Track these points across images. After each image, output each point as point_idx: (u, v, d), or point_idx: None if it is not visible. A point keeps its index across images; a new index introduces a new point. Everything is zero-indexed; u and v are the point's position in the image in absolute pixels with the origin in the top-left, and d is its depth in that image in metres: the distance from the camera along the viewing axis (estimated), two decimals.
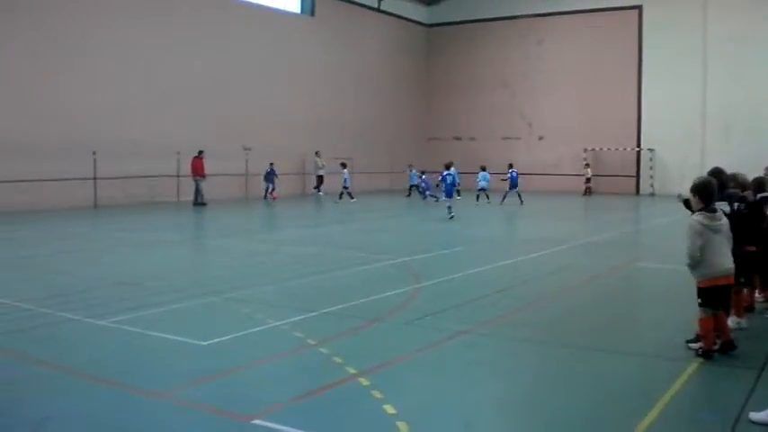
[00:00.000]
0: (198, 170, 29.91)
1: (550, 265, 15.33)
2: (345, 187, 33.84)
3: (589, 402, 6.86)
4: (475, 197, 32.35)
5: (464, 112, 46.43)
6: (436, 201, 32.39)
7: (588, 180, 40.44)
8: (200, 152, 30.09)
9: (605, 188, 41.16)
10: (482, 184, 32.27)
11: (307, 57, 38.04)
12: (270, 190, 33.92)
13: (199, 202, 29.57)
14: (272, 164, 33.97)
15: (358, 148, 40.38)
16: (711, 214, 7.86)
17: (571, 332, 9.61)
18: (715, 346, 8.00)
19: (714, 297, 7.88)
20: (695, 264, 7.88)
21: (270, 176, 33.94)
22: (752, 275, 9.73)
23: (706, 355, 7.90)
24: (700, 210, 7.93)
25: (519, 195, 31.89)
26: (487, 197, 31.82)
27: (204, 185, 29.92)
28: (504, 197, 31.82)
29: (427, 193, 34.54)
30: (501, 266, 15.00)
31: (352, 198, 33.53)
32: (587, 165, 41.06)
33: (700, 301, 7.99)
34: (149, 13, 30.05)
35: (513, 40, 44.66)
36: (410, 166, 38.46)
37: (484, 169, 32.79)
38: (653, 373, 7.70)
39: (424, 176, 35.59)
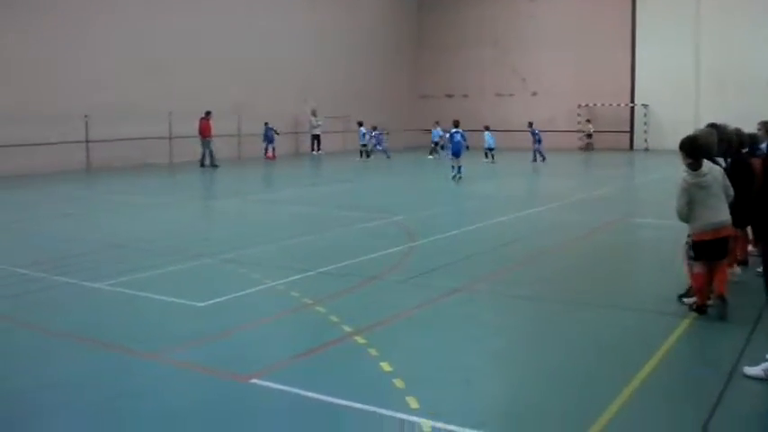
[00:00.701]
0: (205, 131, 29.41)
1: (545, 222, 15.36)
2: (363, 145, 33.75)
3: (585, 357, 6.92)
4: (483, 155, 31.96)
5: (456, 70, 46.04)
6: (388, 158, 32.69)
7: (590, 136, 40.26)
8: (208, 113, 29.55)
9: (599, 144, 41.05)
10: (490, 142, 31.69)
11: (297, 17, 37.60)
12: (267, 149, 33.75)
13: (210, 163, 29.03)
14: (266, 123, 33.74)
15: (350, 107, 40.09)
16: (696, 171, 7.83)
17: (566, 288, 9.66)
18: (709, 301, 8.04)
19: (706, 250, 7.88)
20: (684, 219, 7.95)
21: (268, 136, 33.72)
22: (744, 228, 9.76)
23: (700, 310, 7.95)
24: (686, 166, 7.92)
25: (541, 153, 31.37)
26: (492, 157, 31.20)
27: (214, 147, 29.54)
28: (537, 155, 31.27)
29: (378, 148, 34.35)
30: (496, 223, 15.02)
31: (368, 156, 33.57)
32: (588, 120, 40.72)
33: (692, 253, 8.02)
34: None
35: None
36: (436, 123, 36.71)
37: (488, 129, 32.31)
38: (647, 328, 7.75)
39: (375, 132, 34.85)
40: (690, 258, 8.09)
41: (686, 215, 7.88)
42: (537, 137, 31.55)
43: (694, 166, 7.86)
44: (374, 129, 35.07)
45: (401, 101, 45.41)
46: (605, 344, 7.31)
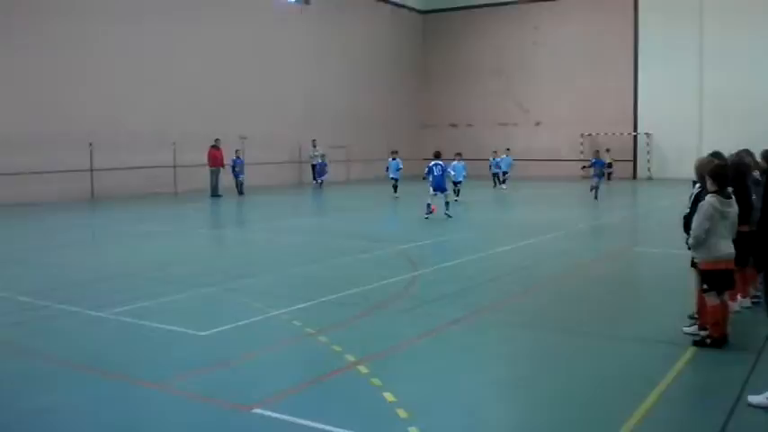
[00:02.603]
0: (216, 160, 29.39)
1: (549, 251, 15.35)
2: (393, 178, 28.81)
3: (589, 387, 6.89)
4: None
5: (460, 99, 46.34)
6: (319, 185, 32.99)
7: (609, 165, 39.25)
8: (217, 141, 29.66)
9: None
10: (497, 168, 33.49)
11: (302, 45, 37.93)
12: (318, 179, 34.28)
13: (216, 193, 29.04)
14: (323, 155, 34.73)
15: (354, 135, 40.33)
16: (725, 199, 7.77)
17: (569, 317, 9.64)
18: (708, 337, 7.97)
19: (721, 279, 7.79)
20: (697, 244, 7.80)
21: (321, 166, 34.04)
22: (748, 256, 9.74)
23: (717, 343, 7.80)
24: (713, 192, 7.81)
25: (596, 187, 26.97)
26: (504, 182, 32.97)
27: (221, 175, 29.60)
28: (596, 189, 26.88)
29: (320, 179, 34.67)
30: (499, 252, 15.01)
31: (395, 193, 28.61)
32: (608, 150, 38.89)
33: (705, 286, 7.87)
34: (146, 4, 29.92)
35: (509, 26, 44.55)
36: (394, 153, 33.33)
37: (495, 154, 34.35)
38: (650, 358, 7.72)
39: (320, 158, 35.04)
40: (704, 291, 7.93)
41: (702, 241, 7.74)
42: (598, 169, 27.40)
43: (724, 192, 7.80)
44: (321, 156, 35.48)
45: (404, 130, 45.55)
46: (608, 374, 7.27)
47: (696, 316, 8.41)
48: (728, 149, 10.37)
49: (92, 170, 27.98)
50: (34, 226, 20.20)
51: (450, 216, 20.64)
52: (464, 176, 25.27)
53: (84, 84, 27.70)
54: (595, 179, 27.01)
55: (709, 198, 7.79)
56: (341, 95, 40.43)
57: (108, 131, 28.00)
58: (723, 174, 7.85)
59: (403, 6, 46.27)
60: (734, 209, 7.86)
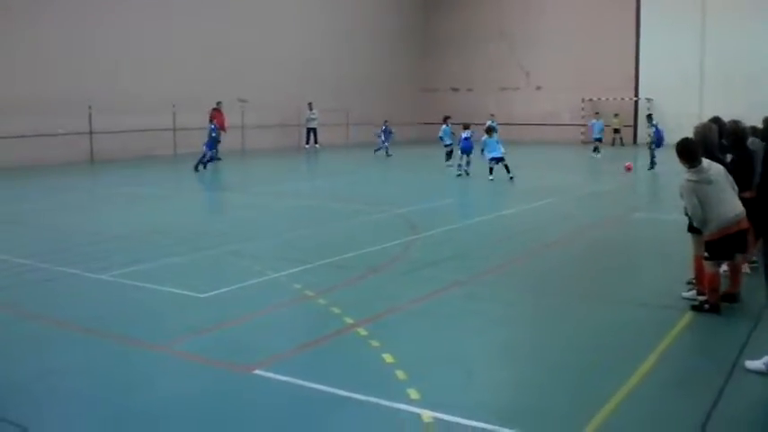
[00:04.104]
0: (218, 123, 28.97)
1: (549, 215, 15.35)
2: (447, 145, 26.35)
3: (586, 350, 6.92)
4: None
5: (461, 64, 46.03)
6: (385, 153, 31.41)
7: (617, 131, 39.14)
8: (219, 103, 29.29)
9: (604, 137, 40.98)
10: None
11: (302, 9, 37.58)
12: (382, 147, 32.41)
13: (217, 157, 28.61)
14: (386, 121, 33.04)
15: (354, 100, 40.06)
16: (697, 168, 7.73)
17: (569, 281, 9.67)
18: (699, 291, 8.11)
19: (725, 247, 7.77)
20: (702, 221, 7.72)
21: (386, 134, 32.64)
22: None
23: (715, 308, 7.83)
24: (686, 168, 7.83)
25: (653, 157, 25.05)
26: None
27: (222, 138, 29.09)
28: (653, 160, 24.99)
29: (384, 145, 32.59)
30: (500, 216, 15.03)
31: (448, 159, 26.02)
32: (616, 114, 39.01)
33: (706, 254, 7.85)
34: None
35: None
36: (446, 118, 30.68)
37: (490, 131, 22.91)
38: (649, 322, 7.75)
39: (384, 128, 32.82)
40: (705, 259, 7.91)
41: (702, 216, 7.68)
42: (657, 135, 25.52)
43: (694, 164, 7.77)
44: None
45: (405, 94, 45.32)
46: (607, 338, 7.31)
47: (694, 281, 8.44)
48: (729, 115, 10.33)
49: (91, 133, 27.88)
50: (33, 188, 20.17)
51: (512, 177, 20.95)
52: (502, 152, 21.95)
53: (83, 48, 27.48)
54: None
55: (684, 176, 7.82)
56: (341, 59, 40.11)
57: (107, 94, 27.82)
58: (688, 149, 7.83)
59: None
60: (713, 171, 7.75)
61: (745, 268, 9.55)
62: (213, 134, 24.52)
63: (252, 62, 34.29)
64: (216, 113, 28.89)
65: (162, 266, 10.27)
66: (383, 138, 32.20)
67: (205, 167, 24.06)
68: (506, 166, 21.25)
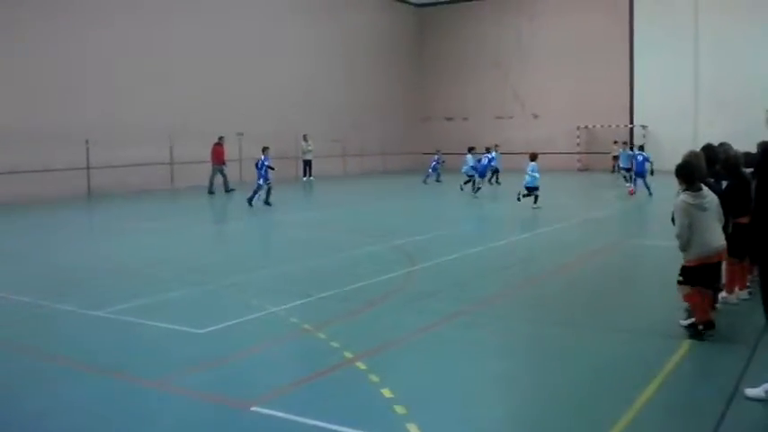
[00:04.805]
0: (218, 157, 29.19)
1: (546, 244, 15.37)
2: (470, 175, 27.54)
3: (586, 380, 6.90)
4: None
5: (456, 92, 46.34)
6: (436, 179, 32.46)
7: (616, 158, 39.01)
8: (221, 138, 29.57)
9: (599, 165, 41.15)
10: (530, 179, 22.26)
11: (297, 39, 37.85)
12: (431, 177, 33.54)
13: (225, 189, 28.89)
14: (438, 151, 34.79)
15: (350, 129, 40.27)
16: (696, 192, 7.83)
17: (568, 310, 9.66)
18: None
19: (701, 275, 7.88)
20: (685, 244, 7.84)
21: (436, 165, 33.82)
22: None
23: (708, 326, 7.85)
24: (684, 189, 7.91)
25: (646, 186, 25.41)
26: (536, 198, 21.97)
27: (227, 171, 29.49)
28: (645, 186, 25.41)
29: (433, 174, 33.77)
30: (496, 246, 15.02)
31: (468, 185, 27.57)
32: (615, 142, 38.72)
33: (680, 278, 7.99)
34: (144, 0, 29.92)
35: (505, 18, 44.52)
36: (496, 146, 33.10)
37: (534, 159, 22.58)
38: (648, 350, 7.73)
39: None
40: (678, 282, 8.05)
41: (686, 239, 7.79)
42: (639, 163, 25.69)
43: (694, 188, 7.85)
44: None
45: (400, 123, 45.53)
46: (606, 366, 7.29)
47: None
48: (725, 141, 10.42)
49: (88, 168, 27.94)
50: (31, 223, 20.14)
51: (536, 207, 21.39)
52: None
53: (82, 81, 27.62)
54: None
55: (681, 195, 7.90)
56: (337, 89, 40.35)
57: (105, 128, 27.93)
58: (686, 171, 7.94)
59: (399, 0, 46.18)
60: (709, 199, 7.89)
61: (744, 294, 9.58)
62: (263, 167, 23.44)
63: (250, 95, 34.46)
64: (216, 148, 29.12)
65: (160, 302, 10.25)
66: (434, 165, 33.54)
67: (268, 203, 23.11)
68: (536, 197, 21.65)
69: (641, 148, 27.62)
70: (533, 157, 22.54)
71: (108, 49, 28.62)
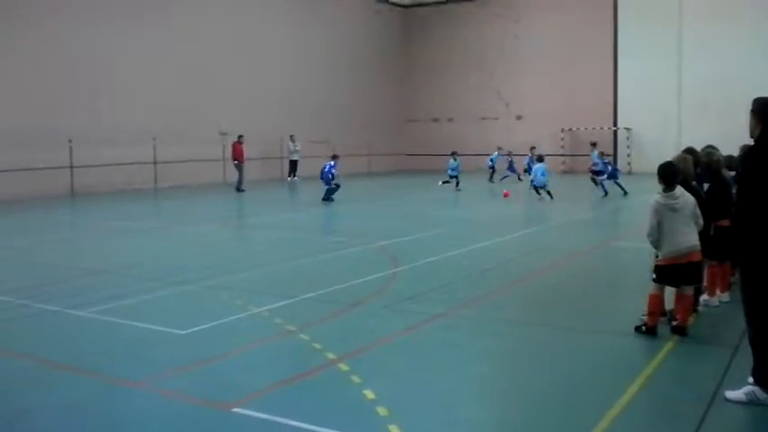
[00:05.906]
0: (239, 155, 29.85)
1: (528, 246, 15.41)
2: (491, 168, 34.33)
3: (567, 382, 6.92)
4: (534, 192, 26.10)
5: (441, 94, 46.38)
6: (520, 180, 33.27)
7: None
8: (240, 137, 30.11)
9: (583, 167, 41.21)
10: (541, 179, 25.33)
11: (281, 39, 37.77)
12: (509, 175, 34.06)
13: (240, 188, 29.40)
14: (499, 147, 35.73)
15: (334, 130, 40.16)
16: (669, 193, 8.03)
17: (548, 312, 9.69)
18: (671, 320, 8.36)
19: (671, 275, 8.06)
20: (655, 242, 8.11)
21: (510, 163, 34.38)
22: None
23: (650, 331, 8.11)
24: (662, 190, 8.11)
25: (619, 185, 26.86)
26: (550, 194, 25.20)
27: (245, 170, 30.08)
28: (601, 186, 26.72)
29: (509, 172, 34.30)
30: (479, 248, 15.04)
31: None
32: (593, 144, 39.19)
33: (654, 276, 8.22)
34: (124, 0, 29.82)
35: (490, 20, 44.57)
36: (499, 148, 36.32)
37: (541, 160, 25.99)
38: (629, 352, 7.79)
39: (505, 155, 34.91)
40: (653, 281, 8.25)
41: (656, 238, 8.04)
42: (605, 168, 27.09)
43: (667, 188, 8.05)
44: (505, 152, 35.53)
45: (385, 124, 45.52)
46: (587, 369, 7.32)
47: (670, 311, 8.54)
48: (707, 144, 10.50)
49: (72, 167, 27.80)
50: (12, 223, 20.03)
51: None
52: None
53: (64, 80, 27.50)
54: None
55: (654, 196, 8.15)
56: (321, 90, 40.29)
57: (88, 128, 27.81)
58: (664, 172, 8.15)
59: (385, 0, 46.15)
60: (683, 200, 8.04)
61: (725, 297, 9.64)
62: (330, 172, 24.89)
63: (233, 94, 34.39)
64: (236, 146, 29.51)
65: (142, 302, 10.21)
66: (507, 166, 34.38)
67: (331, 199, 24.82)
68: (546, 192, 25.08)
69: (602, 153, 28.86)
70: (541, 159, 25.95)
71: (91, 50, 28.52)
